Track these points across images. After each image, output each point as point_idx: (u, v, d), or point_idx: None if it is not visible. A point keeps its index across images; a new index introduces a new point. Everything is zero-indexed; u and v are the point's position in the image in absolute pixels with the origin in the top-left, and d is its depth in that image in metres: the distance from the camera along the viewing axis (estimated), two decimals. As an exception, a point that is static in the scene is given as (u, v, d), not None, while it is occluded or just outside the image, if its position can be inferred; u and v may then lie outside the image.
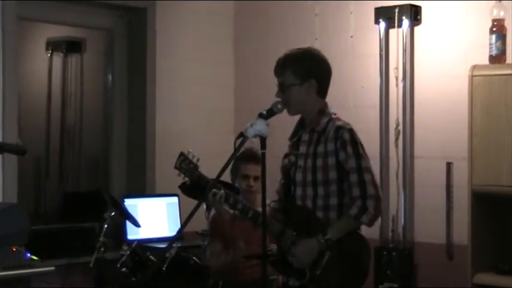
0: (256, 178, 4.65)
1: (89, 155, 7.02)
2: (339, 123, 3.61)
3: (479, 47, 4.97)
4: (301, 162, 3.65)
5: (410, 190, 5.38)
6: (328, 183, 3.57)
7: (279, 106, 3.51)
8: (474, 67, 4.76)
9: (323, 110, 3.66)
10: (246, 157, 4.61)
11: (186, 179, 3.89)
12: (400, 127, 5.42)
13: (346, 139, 3.54)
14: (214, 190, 3.80)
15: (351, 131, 3.58)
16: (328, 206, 3.57)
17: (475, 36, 5.08)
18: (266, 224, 3.34)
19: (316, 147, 3.61)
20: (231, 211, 3.89)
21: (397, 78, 5.44)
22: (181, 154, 3.86)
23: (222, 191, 3.78)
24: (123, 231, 5.30)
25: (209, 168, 3.80)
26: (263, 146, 3.29)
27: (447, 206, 5.19)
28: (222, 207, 3.93)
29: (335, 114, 3.68)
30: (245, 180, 4.70)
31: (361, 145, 3.59)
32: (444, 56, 5.28)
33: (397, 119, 5.43)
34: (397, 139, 5.43)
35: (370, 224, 3.54)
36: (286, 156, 3.77)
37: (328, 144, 3.57)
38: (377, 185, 3.56)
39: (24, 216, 4.52)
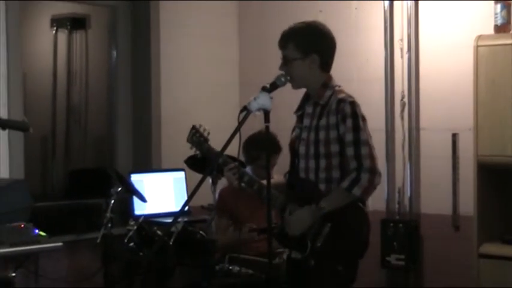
0: (273, 165, 4.59)
1: (94, 132, 7.04)
2: (341, 95, 3.59)
3: (484, 17, 4.95)
4: (304, 135, 3.65)
5: (416, 162, 5.38)
6: (330, 156, 3.56)
7: (282, 79, 3.50)
8: (479, 37, 4.73)
9: (326, 83, 3.64)
10: (271, 149, 4.51)
11: (197, 152, 3.91)
12: (406, 99, 5.41)
13: (347, 112, 3.52)
14: (229, 165, 3.79)
15: (352, 104, 3.55)
16: (331, 178, 3.57)
17: (480, 6, 5.05)
18: (270, 197, 3.35)
19: (319, 120, 3.60)
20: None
21: (401, 50, 5.43)
22: (193, 127, 3.90)
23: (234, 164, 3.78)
24: (130, 206, 5.31)
25: (214, 143, 3.83)
26: (267, 119, 3.29)
27: (453, 177, 5.19)
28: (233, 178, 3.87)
29: (339, 86, 3.66)
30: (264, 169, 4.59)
31: (363, 118, 3.56)
32: (449, 26, 5.25)
33: (402, 91, 5.43)
34: (402, 111, 5.43)
35: (363, 196, 3.51)
36: (293, 130, 3.78)
37: (330, 117, 3.56)
38: (374, 159, 3.52)
39: (27, 193, 4.56)
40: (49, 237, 4.45)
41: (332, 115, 3.56)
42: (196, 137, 3.86)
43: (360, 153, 3.49)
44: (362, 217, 3.59)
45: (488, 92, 4.66)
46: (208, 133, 3.86)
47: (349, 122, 3.52)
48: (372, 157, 3.51)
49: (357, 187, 3.47)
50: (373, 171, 3.49)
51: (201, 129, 3.88)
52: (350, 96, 3.60)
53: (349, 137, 3.51)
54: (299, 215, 3.54)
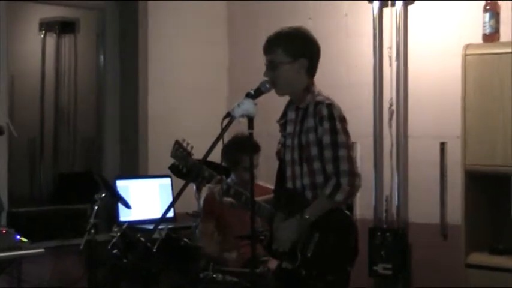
0: (256, 166, 4.55)
1: (82, 136, 7.01)
2: (318, 98, 3.55)
3: (472, 26, 4.93)
4: (289, 142, 3.62)
5: (404, 170, 5.35)
6: (311, 160, 3.52)
7: (267, 85, 3.46)
8: (467, 46, 4.72)
9: (308, 88, 3.61)
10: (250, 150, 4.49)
11: (182, 167, 3.87)
12: (394, 107, 5.39)
13: (324, 114, 3.49)
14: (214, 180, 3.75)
15: (329, 106, 3.50)
16: (315, 184, 3.52)
17: (469, 15, 5.04)
18: (254, 203, 3.32)
19: (301, 125, 3.57)
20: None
21: (390, 57, 5.41)
22: (176, 142, 3.85)
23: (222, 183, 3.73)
24: (116, 212, 5.27)
25: (202, 149, 3.77)
26: (250, 126, 3.26)
27: (441, 185, 5.17)
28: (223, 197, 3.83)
29: (319, 90, 3.63)
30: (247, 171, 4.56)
31: (341, 120, 3.50)
32: (437, 34, 5.24)
33: (391, 98, 5.40)
34: (390, 119, 5.40)
35: (345, 201, 3.47)
36: (279, 141, 3.75)
37: (308, 120, 3.54)
38: (353, 161, 3.48)
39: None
40: (32, 243, 4.42)
41: (310, 118, 3.53)
42: (180, 151, 3.80)
43: (338, 156, 3.45)
44: (348, 224, 3.55)
45: (476, 100, 4.64)
46: (192, 147, 3.81)
47: (326, 124, 3.48)
48: (350, 159, 3.46)
49: (338, 193, 3.43)
50: (352, 174, 3.44)
51: (185, 144, 3.82)
52: (328, 99, 3.55)
53: (326, 139, 3.47)
54: (285, 230, 3.49)
